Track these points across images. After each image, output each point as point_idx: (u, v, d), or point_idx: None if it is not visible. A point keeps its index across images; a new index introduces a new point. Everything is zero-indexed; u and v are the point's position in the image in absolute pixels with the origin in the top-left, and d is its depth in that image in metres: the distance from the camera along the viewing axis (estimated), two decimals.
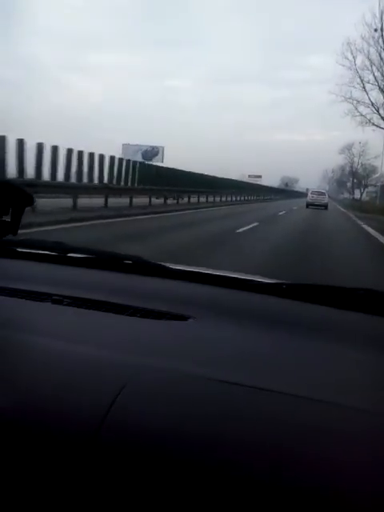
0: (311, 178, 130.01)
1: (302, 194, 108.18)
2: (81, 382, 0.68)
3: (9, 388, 0.66)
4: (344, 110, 35.51)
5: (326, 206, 37.46)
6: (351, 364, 0.81)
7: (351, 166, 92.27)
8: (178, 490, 0.55)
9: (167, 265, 1.27)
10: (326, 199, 39.35)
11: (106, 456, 0.58)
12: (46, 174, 14.67)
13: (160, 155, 45.34)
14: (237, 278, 1.20)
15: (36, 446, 0.59)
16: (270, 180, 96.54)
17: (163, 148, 46.20)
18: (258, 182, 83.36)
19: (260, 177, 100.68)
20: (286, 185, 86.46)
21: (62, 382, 0.68)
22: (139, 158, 42.53)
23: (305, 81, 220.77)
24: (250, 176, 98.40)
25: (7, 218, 0.86)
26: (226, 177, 40.42)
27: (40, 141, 14.37)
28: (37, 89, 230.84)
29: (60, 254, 1.31)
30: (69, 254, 1.31)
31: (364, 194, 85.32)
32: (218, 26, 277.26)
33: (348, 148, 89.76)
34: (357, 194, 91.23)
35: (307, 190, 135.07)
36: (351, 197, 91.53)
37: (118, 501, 0.56)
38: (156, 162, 40.56)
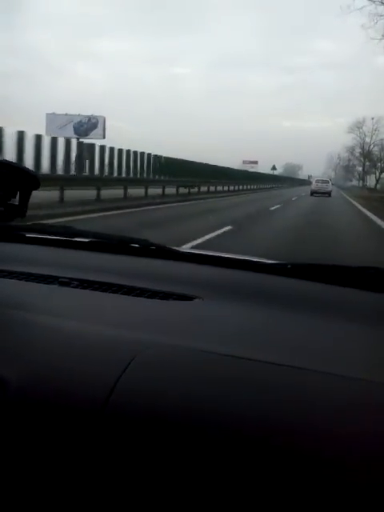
0: (315, 164, 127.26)
1: (304, 182, 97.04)
2: (89, 356, 0.70)
3: (20, 361, 0.69)
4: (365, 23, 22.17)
5: (329, 193, 38.63)
6: (356, 338, 0.82)
7: (362, 147, 78.40)
8: (182, 456, 0.57)
9: (173, 247, 1.28)
10: (329, 187, 40.35)
11: (114, 425, 0.60)
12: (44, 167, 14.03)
13: (100, 129, 31.89)
14: (241, 260, 1.20)
15: (46, 414, 0.62)
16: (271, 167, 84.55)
17: (104, 119, 32.50)
18: (255, 169, 71.10)
19: (256, 163, 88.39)
20: (274, 167, 73.31)
21: (71, 355, 0.70)
22: (70, 132, 28.77)
23: (309, 66, 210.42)
24: (244, 162, 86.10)
25: (15, 202, 0.86)
26: (224, 165, 37.87)
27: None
28: (37, 77, 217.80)
29: (68, 239, 1.31)
30: (76, 239, 1.31)
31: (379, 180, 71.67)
32: (220, 11, 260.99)
33: (358, 126, 76.21)
34: (370, 181, 77.61)
35: (309, 176, 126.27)
36: (364, 184, 77.69)
37: (125, 466, 0.58)
38: (95, 138, 27.14)
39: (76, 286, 0.99)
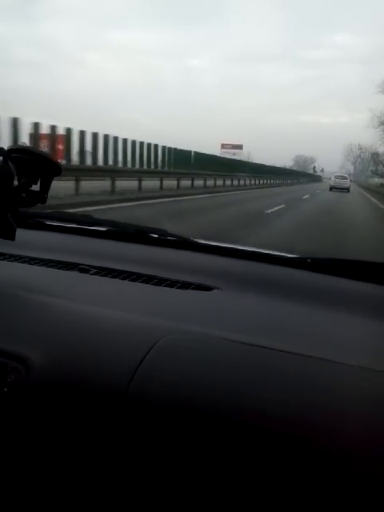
0: (332, 156, 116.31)
1: (315, 178, 70.21)
2: (111, 340, 0.72)
3: (43, 343, 0.70)
4: None
5: (347, 189, 39.87)
6: (375, 332, 0.83)
7: None
8: (201, 439, 0.59)
9: (191, 239, 1.27)
10: (347, 183, 41.67)
11: (136, 406, 0.61)
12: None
13: None
14: (260, 253, 1.18)
15: (69, 395, 0.64)
16: (283, 160, 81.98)
17: None
18: (236, 157, 49.87)
19: (240, 147, 60.70)
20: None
21: (93, 339, 0.72)
22: None
23: (327, 60, 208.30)
24: (224, 146, 58.57)
25: (36, 188, 0.87)
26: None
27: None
28: (54, 69, 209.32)
29: (87, 227, 1.31)
30: (95, 227, 1.31)
31: None
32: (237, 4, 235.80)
33: None
34: None
35: (314, 169, 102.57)
36: None
37: (146, 448, 0.59)
38: None
39: (95, 274, 1.01)
